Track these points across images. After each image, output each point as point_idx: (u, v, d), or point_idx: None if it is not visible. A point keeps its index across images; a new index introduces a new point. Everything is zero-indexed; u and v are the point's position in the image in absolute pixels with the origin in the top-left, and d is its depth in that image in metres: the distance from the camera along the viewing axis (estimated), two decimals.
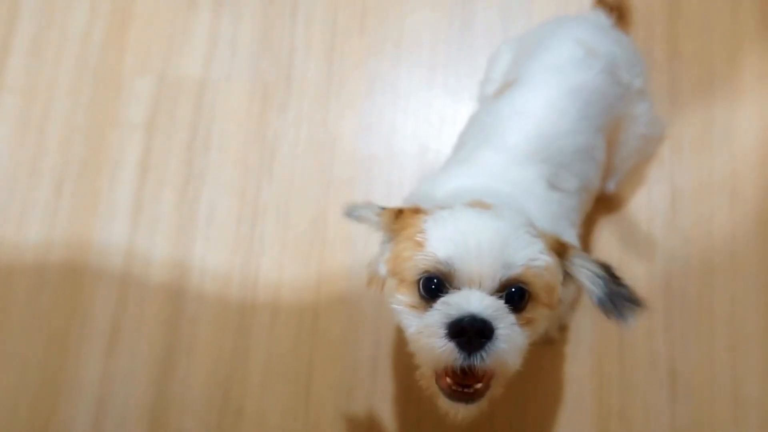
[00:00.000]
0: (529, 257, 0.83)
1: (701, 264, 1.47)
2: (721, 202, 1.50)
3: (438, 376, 0.86)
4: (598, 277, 0.87)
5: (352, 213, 0.96)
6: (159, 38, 1.69)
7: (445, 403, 0.87)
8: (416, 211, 0.91)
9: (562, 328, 1.43)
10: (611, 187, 1.49)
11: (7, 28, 1.71)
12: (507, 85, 1.25)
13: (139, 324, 1.51)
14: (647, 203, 1.51)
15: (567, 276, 0.90)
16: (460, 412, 0.86)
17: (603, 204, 1.51)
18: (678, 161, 1.53)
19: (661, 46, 1.59)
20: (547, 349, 1.44)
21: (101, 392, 1.47)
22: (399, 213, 0.92)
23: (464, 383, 0.84)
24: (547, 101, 1.16)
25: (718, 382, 1.41)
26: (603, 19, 1.35)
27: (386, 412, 1.43)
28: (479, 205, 0.90)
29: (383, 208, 0.93)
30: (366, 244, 1.51)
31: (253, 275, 1.53)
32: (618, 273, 0.90)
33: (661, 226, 1.50)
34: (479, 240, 0.82)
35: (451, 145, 1.58)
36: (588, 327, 1.44)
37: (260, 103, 1.64)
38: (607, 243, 1.50)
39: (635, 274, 1.47)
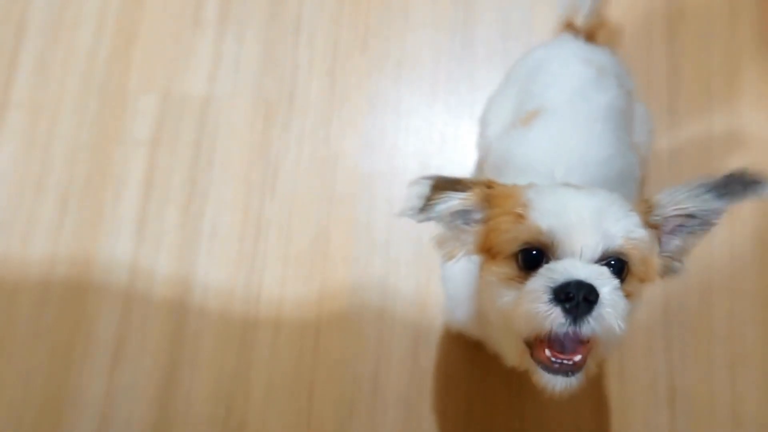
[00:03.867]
0: (627, 229, 0.84)
1: (700, 283, 1.48)
2: (720, 221, 1.51)
3: (535, 349, 0.85)
4: (694, 192, 0.90)
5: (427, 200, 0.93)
6: (163, 56, 1.71)
7: (542, 378, 0.85)
8: (513, 185, 0.91)
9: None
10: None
11: (14, 45, 1.73)
12: (533, 114, 1.19)
13: (143, 339, 1.52)
14: None
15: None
16: (558, 385, 0.84)
17: None
18: (677, 181, 1.53)
19: (659, 66, 1.60)
20: None
21: (104, 407, 1.48)
22: (489, 187, 0.91)
23: (563, 355, 0.83)
24: (583, 129, 1.14)
25: (717, 399, 1.42)
26: (575, 38, 1.33)
27: (388, 428, 1.44)
28: (570, 185, 0.92)
29: (469, 184, 0.91)
30: (367, 263, 1.52)
31: (256, 291, 1.54)
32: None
33: None
34: (580, 212, 0.83)
35: (452, 161, 1.58)
36: None
37: (263, 120, 1.65)
38: None
39: None
